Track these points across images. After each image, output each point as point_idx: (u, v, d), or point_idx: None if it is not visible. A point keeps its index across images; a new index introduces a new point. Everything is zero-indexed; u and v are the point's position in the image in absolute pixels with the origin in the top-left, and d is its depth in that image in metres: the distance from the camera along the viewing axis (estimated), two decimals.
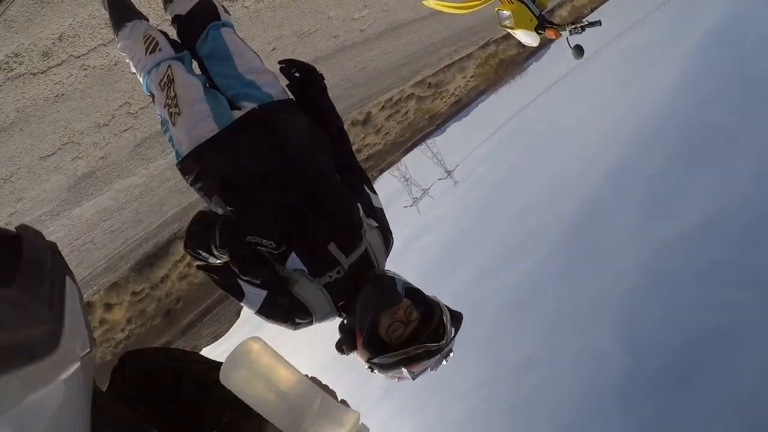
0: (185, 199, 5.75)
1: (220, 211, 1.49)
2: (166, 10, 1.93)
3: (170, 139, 1.63)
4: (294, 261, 1.41)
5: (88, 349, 0.69)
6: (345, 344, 1.42)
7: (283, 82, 1.71)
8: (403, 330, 1.34)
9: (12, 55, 2.54)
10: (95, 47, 2.93)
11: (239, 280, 1.39)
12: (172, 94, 1.60)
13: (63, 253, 0.76)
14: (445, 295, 1.43)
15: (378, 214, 1.59)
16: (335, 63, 5.55)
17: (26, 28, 2.50)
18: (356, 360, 1.43)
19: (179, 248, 8.26)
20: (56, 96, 2.93)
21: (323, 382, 0.95)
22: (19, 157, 3.04)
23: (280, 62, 1.70)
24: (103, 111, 3.37)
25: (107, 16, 2.05)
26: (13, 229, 0.68)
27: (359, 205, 1.54)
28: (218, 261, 1.39)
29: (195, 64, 1.79)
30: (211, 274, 1.46)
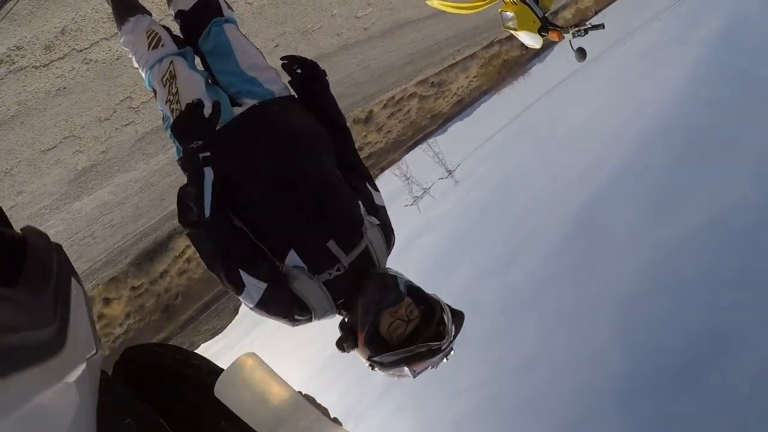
0: None
1: None
2: (169, 5, 1.92)
3: (171, 135, 1.62)
4: (293, 258, 1.41)
5: (94, 351, 0.69)
6: (346, 342, 1.42)
7: (286, 78, 1.71)
8: (404, 328, 1.34)
9: (14, 48, 2.53)
10: (98, 41, 2.92)
11: (240, 271, 1.38)
12: (174, 90, 1.60)
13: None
14: (446, 295, 1.43)
15: (380, 212, 1.58)
16: (338, 61, 5.55)
17: (29, 21, 2.50)
18: (356, 358, 1.43)
19: (179, 244, 8.27)
20: (58, 89, 2.93)
21: (317, 401, 0.97)
22: (20, 150, 3.03)
23: (282, 58, 1.70)
24: (105, 105, 3.37)
25: (110, 10, 2.05)
26: (18, 230, 0.68)
27: (360, 202, 1.53)
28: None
29: (198, 60, 1.79)
30: (204, 245, 1.39)
